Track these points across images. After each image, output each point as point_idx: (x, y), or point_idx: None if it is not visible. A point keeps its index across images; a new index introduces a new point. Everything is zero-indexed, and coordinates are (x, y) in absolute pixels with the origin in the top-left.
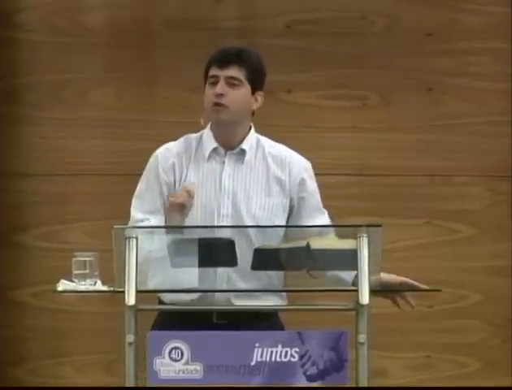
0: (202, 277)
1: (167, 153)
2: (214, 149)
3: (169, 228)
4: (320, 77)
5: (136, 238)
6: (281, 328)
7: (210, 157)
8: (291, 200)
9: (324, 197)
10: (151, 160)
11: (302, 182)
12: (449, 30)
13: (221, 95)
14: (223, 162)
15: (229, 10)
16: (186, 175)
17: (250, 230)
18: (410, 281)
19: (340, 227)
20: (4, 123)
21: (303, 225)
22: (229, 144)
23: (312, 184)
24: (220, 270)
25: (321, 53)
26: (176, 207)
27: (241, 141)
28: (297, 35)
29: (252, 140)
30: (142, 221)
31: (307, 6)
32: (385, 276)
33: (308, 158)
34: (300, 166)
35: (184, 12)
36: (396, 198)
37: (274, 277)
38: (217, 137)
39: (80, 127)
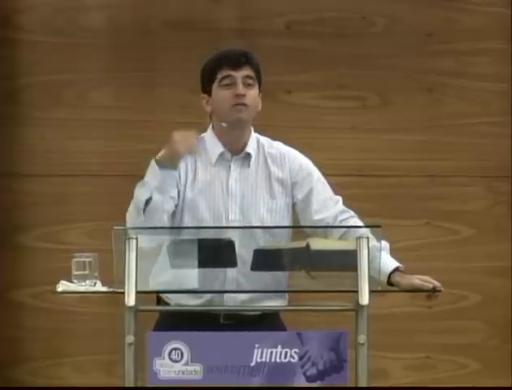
0: (211, 281)
1: None
2: (221, 154)
3: (169, 228)
4: (320, 78)
5: (137, 238)
6: (283, 330)
7: (216, 161)
8: (293, 198)
9: None
10: None
11: (304, 178)
12: (449, 30)
13: (243, 95)
14: (229, 167)
15: (229, 11)
16: (193, 180)
17: (257, 233)
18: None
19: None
20: (4, 124)
21: (306, 225)
22: (236, 147)
23: (315, 176)
24: (229, 274)
25: (321, 53)
26: (175, 155)
27: (245, 144)
28: (296, 35)
29: (254, 142)
30: (150, 199)
31: (307, 7)
32: (418, 282)
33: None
34: (298, 163)
35: (183, 13)
36: (396, 199)
37: (282, 280)
38: (224, 140)
39: (79, 128)
